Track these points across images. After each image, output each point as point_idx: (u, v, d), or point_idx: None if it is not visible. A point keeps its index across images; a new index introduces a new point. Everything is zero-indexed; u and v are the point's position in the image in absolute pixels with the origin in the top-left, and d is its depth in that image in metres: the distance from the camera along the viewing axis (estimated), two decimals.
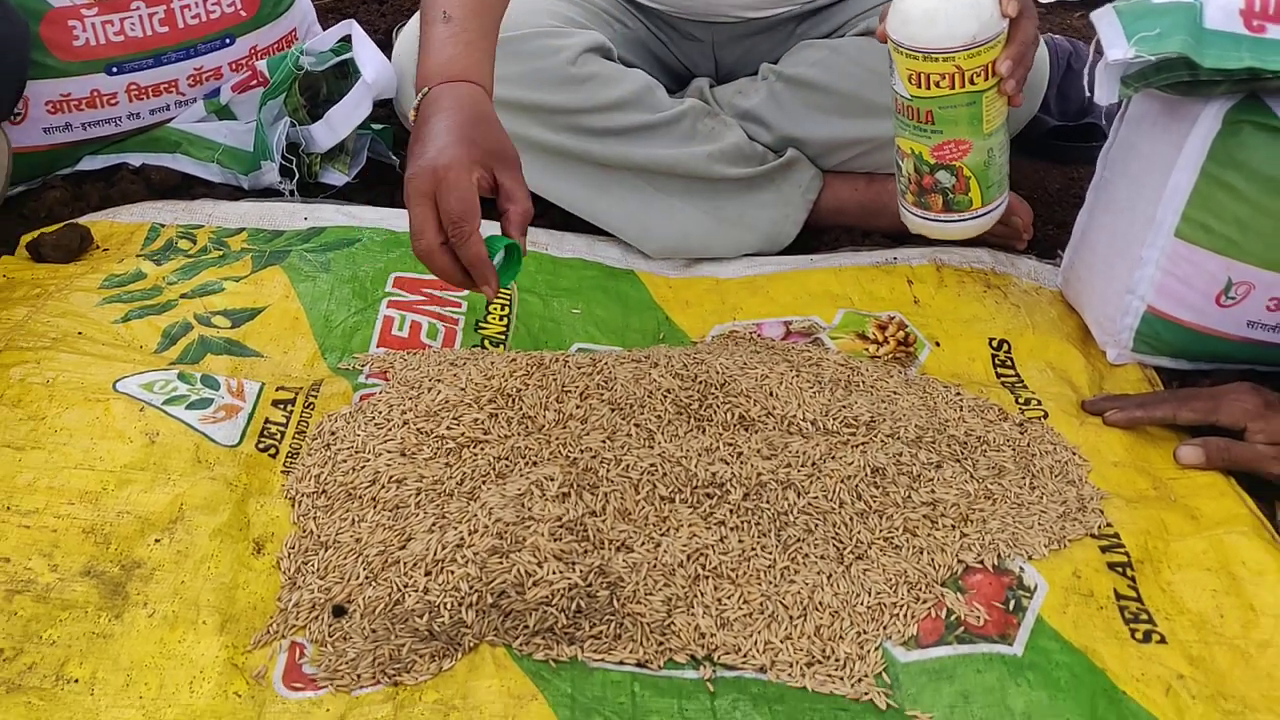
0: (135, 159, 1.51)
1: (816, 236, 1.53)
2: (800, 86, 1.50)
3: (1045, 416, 1.21)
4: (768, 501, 1.02)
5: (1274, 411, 1.15)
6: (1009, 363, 1.31)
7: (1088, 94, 1.22)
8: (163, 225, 1.38)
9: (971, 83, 1.16)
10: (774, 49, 1.60)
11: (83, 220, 1.37)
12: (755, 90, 1.54)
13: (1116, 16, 1.21)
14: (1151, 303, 1.28)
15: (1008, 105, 1.21)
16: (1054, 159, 1.76)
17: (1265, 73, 1.14)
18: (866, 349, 1.30)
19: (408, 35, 1.48)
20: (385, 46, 1.97)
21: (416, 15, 1.86)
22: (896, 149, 1.27)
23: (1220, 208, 1.21)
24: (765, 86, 1.53)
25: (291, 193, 1.47)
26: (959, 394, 1.21)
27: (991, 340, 1.33)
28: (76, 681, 0.86)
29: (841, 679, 0.90)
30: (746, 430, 1.11)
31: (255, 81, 1.53)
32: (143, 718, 0.84)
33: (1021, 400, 1.23)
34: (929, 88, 1.17)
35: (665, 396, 1.12)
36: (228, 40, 1.54)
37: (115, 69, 1.47)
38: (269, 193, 1.49)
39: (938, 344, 1.32)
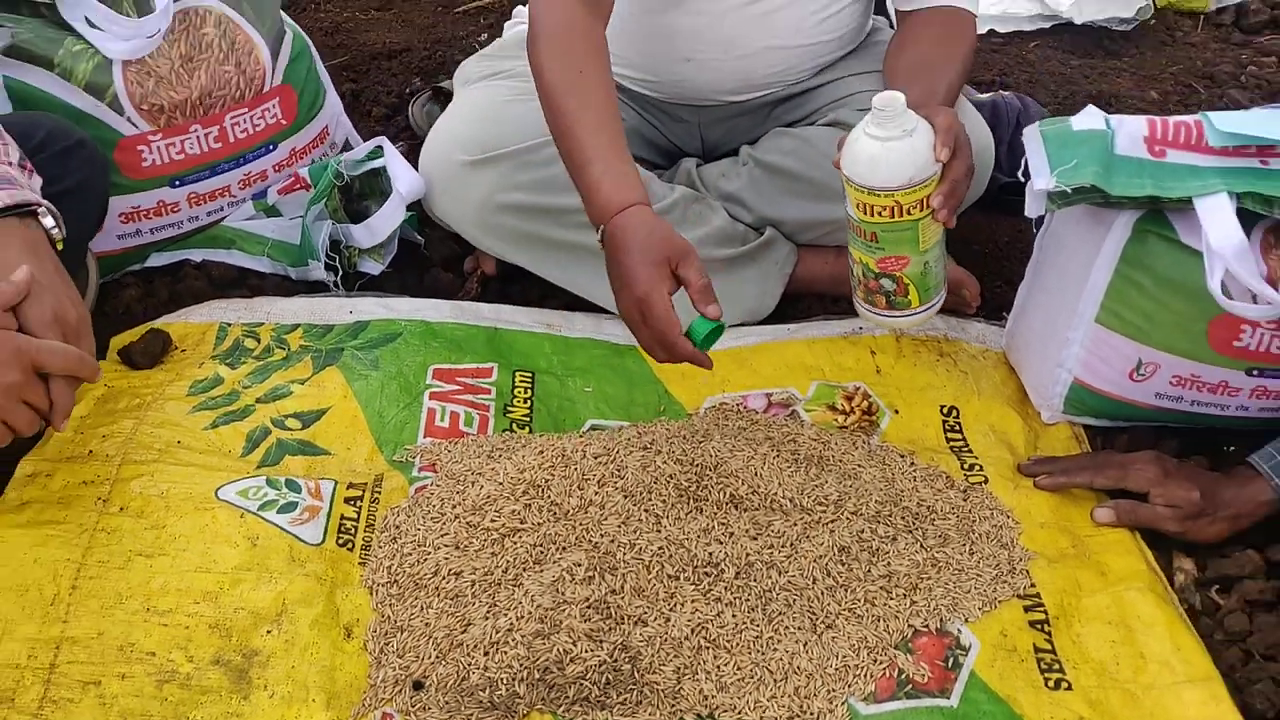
0: (196, 255, 1.73)
1: (793, 304, 1.75)
2: (776, 173, 1.72)
3: (986, 481, 1.45)
4: (755, 580, 1.26)
5: (1171, 479, 1.40)
6: (957, 428, 1.54)
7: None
8: (229, 325, 1.60)
9: (909, 214, 1.37)
10: (753, 129, 1.81)
11: (158, 323, 1.59)
12: (737, 175, 1.75)
13: (1042, 145, 1.42)
14: (1077, 375, 1.52)
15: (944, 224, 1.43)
16: (1005, 211, 1.96)
17: (1164, 199, 1.36)
18: (836, 419, 1.54)
19: (434, 145, 1.67)
20: (399, 108, 2.19)
21: (429, 93, 2.07)
22: (849, 255, 1.48)
23: (1131, 301, 1.44)
24: (745, 172, 1.74)
25: (336, 284, 1.69)
26: (913, 464, 1.45)
27: (942, 407, 1.56)
28: (223, 717, 1.10)
29: None
30: (736, 508, 1.35)
31: (299, 185, 1.74)
32: None
33: (966, 466, 1.47)
34: (873, 215, 1.39)
35: (668, 482, 1.36)
36: (271, 147, 1.75)
37: (177, 182, 1.69)
38: (316, 284, 1.71)
39: (897, 411, 1.56)
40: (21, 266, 1.24)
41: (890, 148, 1.36)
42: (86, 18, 1.58)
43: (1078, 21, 2.55)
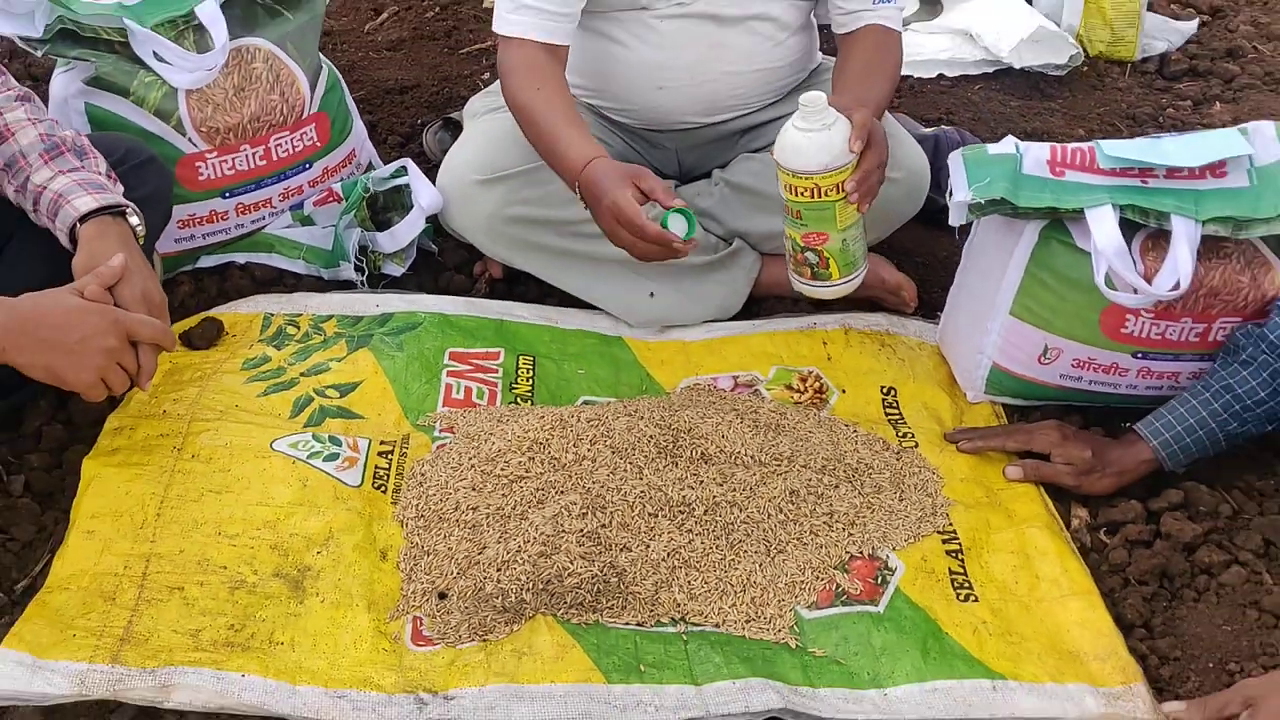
0: (240, 258, 2.00)
1: (757, 303, 2.03)
2: (743, 192, 2.00)
3: (916, 446, 1.72)
4: (720, 516, 1.52)
5: (1068, 442, 1.67)
6: (895, 405, 1.82)
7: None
8: (273, 314, 1.86)
9: (826, 195, 1.63)
10: (723, 154, 2.09)
11: (214, 312, 1.85)
12: (710, 193, 2.03)
13: (963, 166, 1.71)
14: (996, 360, 1.79)
15: (858, 209, 1.67)
16: (943, 229, 2.23)
17: (1062, 210, 1.65)
18: (792, 397, 1.81)
19: (449, 166, 1.94)
20: (412, 136, 2.47)
21: (440, 123, 2.34)
22: (784, 233, 1.75)
23: (1038, 296, 1.72)
24: (717, 191, 2.02)
25: (362, 283, 1.96)
26: (855, 431, 1.72)
27: (883, 388, 1.84)
28: (282, 644, 1.35)
29: (768, 630, 1.40)
30: (706, 463, 1.61)
31: (331, 198, 2.01)
32: (327, 665, 1.33)
33: (900, 434, 1.75)
34: (797, 195, 1.65)
35: (649, 441, 1.62)
36: (308, 165, 2.03)
37: (228, 194, 1.95)
38: (345, 283, 1.97)
39: (844, 391, 1.83)
40: (117, 254, 1.50)
41: (811, 138, 1.62)
42: (155, 53, 1.85)
43: (1017, 67, 2.85)
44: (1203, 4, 3.31)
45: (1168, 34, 3.06)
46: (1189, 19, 3.17)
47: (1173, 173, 1.64)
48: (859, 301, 1.98)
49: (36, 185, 1.57)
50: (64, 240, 1.56)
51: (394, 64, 2.82)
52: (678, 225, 1.60)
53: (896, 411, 1.80)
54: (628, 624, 1.41)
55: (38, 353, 1.40)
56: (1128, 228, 1.63)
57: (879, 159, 1.68)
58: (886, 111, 2.05)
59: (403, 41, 2.93)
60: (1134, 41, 2.96)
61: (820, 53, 2.14)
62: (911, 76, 2.86)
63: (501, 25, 1.83)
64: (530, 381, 1.80)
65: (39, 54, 1.83)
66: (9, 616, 1.37)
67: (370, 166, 2.17)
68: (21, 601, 1.40)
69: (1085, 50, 2.94)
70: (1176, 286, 1.59)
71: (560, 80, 1.83)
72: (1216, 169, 1.65)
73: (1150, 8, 3.16)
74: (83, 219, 1.53)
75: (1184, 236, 1.60)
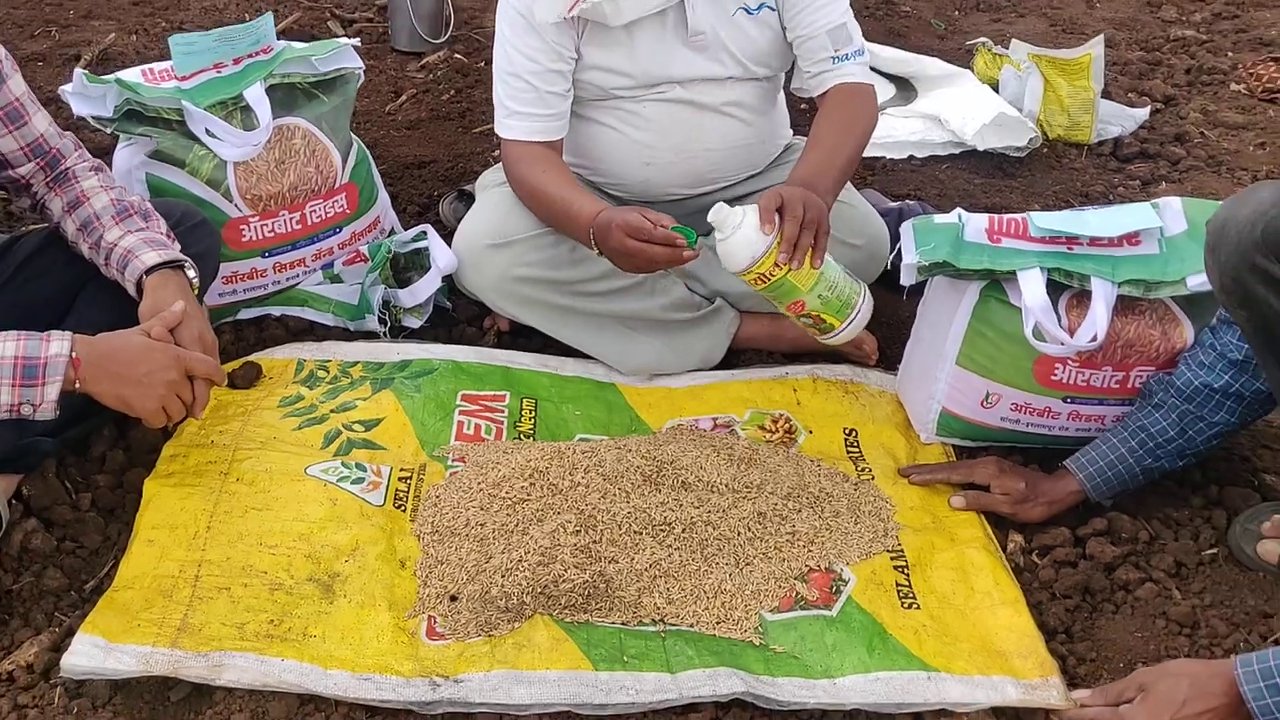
0: (276, 310, 2.25)
1: (736, 355, 2.26)
2: None
3: (873, 479, 1.95)
4: (696, 534, 1.74)
5: (1005, 474, 1.90)
6: (856, 444, 2.04)
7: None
8: (305, 360, 2.10)
9: (773, 276, 1.81)
10: (705, 223, 2.33)
11: (254, 357, 2.09)
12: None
13: (912, 233, 1.96)
14: (945, 405, 2.02)
15: (810, 266, 1.82)
16: (903, 294, 2.48)
17: (997, 271, 1.89)
18: (765, 436, 2.04)
19: (464, 232, 2.19)
20: (428, 206, 2.73)
21: (455, 194, 2.59)
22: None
23: (980, 348, 1.96)
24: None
25: (385, 334, 2.20)
26: (819, 465, 1.95)
27: (845, 429, 2.07)
28: (314, 636, 1.57)
29: (735, 630, 1.62)
30: (685, 490, 1.83)
31: (358, 259, 2.26)
32: (354, 654, 1.55)
33: (859, 469, 1.97)
34: (756, 285, 1.84)
35: (636, 470, 1.85)
36: (338, 229, 2.28)
37: (267, 254, 2.21)
38: (369, 333, 2.22)
39: (811, 431, 2.06)
40: (178, 301, 1.75)
41: (729, 244, 1.81)
42: (208, 130, 2.11)
43: (980, 148, 3.12)
44: (1157, 93, 3.60)
45: (1122, 119, 3.33)
46: (1143, 105, 3.45)
47: (1094, 241, 1.89)
48: (827, 354, 2.22)
49: (109, 242, 1.82)
50: (131, 289, 1.80)
51: (412, 141, 3.09)
52: (684, 234, 1.83)
53: (857, 450, 2.03)
54: (614, 623, 1.62)
55: (111, 383, 1.63)
56: (1055, 288, 1.88)
57: (797, 221, 1.78)
58: (853, 189, 2.31)
59: (420, 121, 3.22)
60: (1089, 126, 3.23)
61: (792, 131, 2.40)
62: (885, 157, 3.14)
63: (502, 130, 2.11)
64: (532, 420, 2.03)
65: (109, 130, 2.10)
66: (80, 611, 1.59)
67: (392, 232, 2.43)
68: (90, 599, 1.62)
69: (1045, 133, 3.22)
70: (1095, 339, 1.82)
71: (561, 163, 2.11)
72: (1131, 238, 1.90)
73: (1107, 95, 3.45)
74: (148, 271, 1.78)
75: (1102, 296, 1.84)
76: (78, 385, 1.60)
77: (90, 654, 1.48)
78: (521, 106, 2.09)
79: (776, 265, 1.80)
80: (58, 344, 1.59)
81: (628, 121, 2.18)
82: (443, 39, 3.76)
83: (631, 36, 2.08)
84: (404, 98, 3.37)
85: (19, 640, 1.55)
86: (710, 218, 1.83)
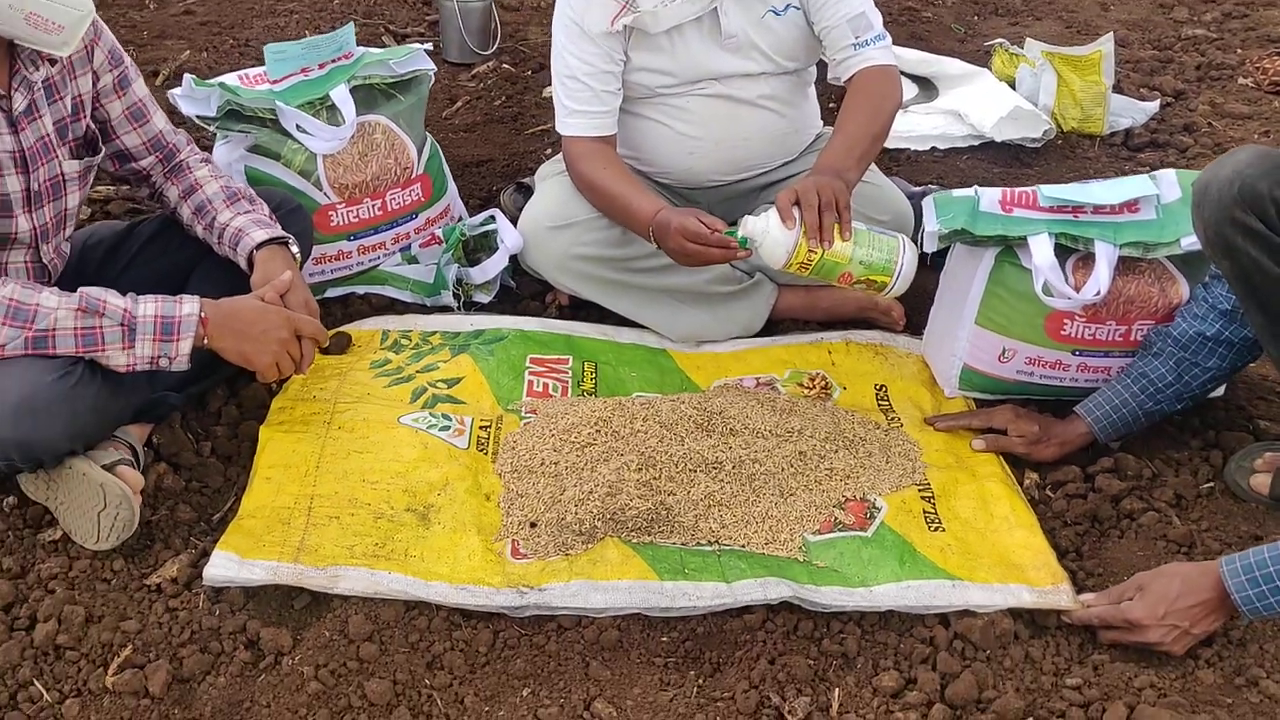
0: (360, 289, 2.49)
1: (775, 325, 2.49)
2: None
3: (902, 426, 2.16)
4: (744, 470, 1.96)
5: (1020, 419, 2.11)
6: (886, 398, 2.26)
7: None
8: (389, 330, 2.35)
9: (811, 261, 2.01)
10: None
11: (344, 328, 2.34)
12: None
13: (933, 204, 2.18)
14: (966, 361, 2.24)
15: (840, 239, 2.02)
16: (929, 268, 2.69)
17: (1009, 238, 2.11)
18: (803, 392, 2.26)
19: (527, 216, 2.43)
20: (488, 200, 2.97)
21: (514, 187, 2.83)
22: None
23: (996, 308, 2.17)
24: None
25: (458, 308, 2.44)
26: (852, 415, 2.17)
27: (876, 385, 2.29)
28: (414, 556, 1.80)
29: (782, 549, 1.84)
30: (733, 435, 2.06)
31: (432, 241, 2.50)
32: (449, 570, 1.78)
33: (889, 417, 2.19)
34: (802, 272, 2.05)
35: (689, 419, 2.07)
36: (414, 216, 2.53)
37: (352, 237, 2.45)
38: (444, 307, 2.46)
39: (845, 388, 2.28)
40: (285, 271, 1.99)
41: (763, 249, 2.03)
42: (299, 126, 2.36)
43: (999, 140, 3.33)
44: (1167, 88, 3.80)
45: (1133, 112, 3.54)
46: (1153, 99, 3.65)
47: (1097, 209, 2.11)
48: (859, 321, 2.45)
49: (221, 223, 2.07)
50: (242, 263, 2.05)
51: (470, 143, 3.34)
52: (735, 237, 2.04)
53: (887, 403, 2.25)
54: (674, 543, 1.84)
55: (233, 340, 1.88)
56: (1062, 252, 2.09)
57: (814, 208, 1.97)
58: (879, 171, 2.53)
59: (476, 125, 3.47)
60: (1102, 118, 3.44)
61: (822, 122, 2.63)
62: (909, 149, 3.36)
63: (562, 128, 2.35)
64: (594, 380, 2.26)
65: (211, 128, 2.35)
66: (211, 537, 1.83)
67: (460, 218, 2.67)
68: (218, 528, 1.86)
69: (1059, 126, 3.43)
70: (1098, 293, 2.04)
71: (618, 159, 2.34)
72: (1131, 206, 2.11)
73: (1119, 91, 3.66)
74: (258, 246, 2.03)
75: (1105, 257, 2.06)
76: (206, 341, 1.85)
77: (226, 566, 1.73)
78: (579, 105, 2.32)
79: (811, 252, 2.00)
80: (190, 305, 1.84)
81: (672, 116, 2.41)
82: (490, 50, 4.01)
83: (672, 41, 2.32)
84: (459, 104, 3.63)
85: (162, 559, 1.79)
86: (741, 233, 2.03)
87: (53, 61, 1.89)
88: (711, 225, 2.07)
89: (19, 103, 1.84)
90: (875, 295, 2.15)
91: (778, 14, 2.33)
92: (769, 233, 2.02)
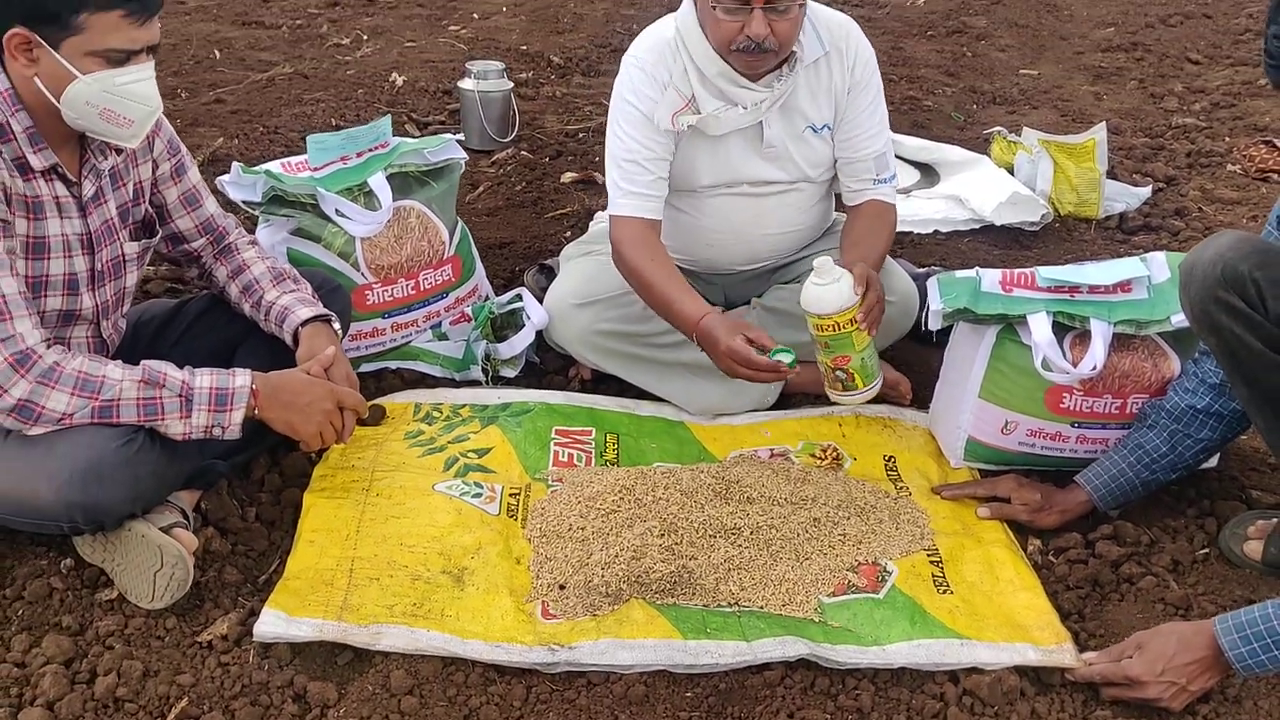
0: (393, 364, 2.62)
1: (788, 399, 2.61)
2: (774, 313, 2.60)
3: (910, 494, 2.27)
4: (761, 535, 2.07)
5: (1023, 488, 2.22)
6: (894, 468, 2.37)
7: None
8: (421, 403, 2.47)
9: (843, 328, 2.17)
10: (759, 287, 2.71)
11: (379, 401, 2.46)
12: (749, 315, 2.64)
13: (937, 285, 2.31)
14: (970, 433, 2.35)
15: (868, 334, 2.24)
16: (934, 345, 2.82)
17: (1010, 316, 2.24)
18: (816, 462, 2.37)
19: (553, 294, 2.57)
20: (511, 280, 3.11)
21: (537, 268, 2.97)
22: (818, 360, 2.31)
23: (998, 382, 2.29)
24: (755, 313, 2.63)
25: (486, 382, 2.56)
26: (863, 484, 2.28)
27: (885, 456, 2.40)
28: (450, 615, 1.89)
29: (799, 610, 1.94)
30: (750, 503, 2.17)
31: (462, 319, 2.64)
32: (484, 629, 1.88)
33: (898, 487, 2.30)
34: (823, 331, 2.20)
35: (708, 486, 2.19)
36: (445, 295, 2.67)
37: (386, 315, 2.59)
38: (473, 382, 2.58)
39: (855, 459, 2.39)
40: (329, 347, 2.12)
41: (826, 289, 2.17)
42: (338, 210, 2.51)
43: (998, 224, 3.49)
44: (1159, 174, 3.97)
45: (1126, 197, 3.70)
46: (1146, 185, 3.82)
47: (1093, 289, 2.24)
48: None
49: (268, 301, 2.20)
50: (288, 339, 2.18)
51: (493, 226, 3.50)
52: (786, 357, 2.16)
53: (896, 473, 2.36)
54: (696, 605, 1.94)
55: (281, 410, 2.00)
56: (1060, 329, 2.22)
57: (878, 296, 2.24)
58: (887, 257, 2.67)
59: (498, 209, 3.63)
60: (1097, 203, 3.60)
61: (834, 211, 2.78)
62: (913, 232, 3.51)
63: (614, 208, 2.44)
64: (616, 451, 2.38)
65: (257, 212, 2.50)
66: (257, 597, 1.94)
67: (488, 297, 2.80)
68: (264, 589, 1.97)
69: (1056, 210, 3.59)
70: (1094, 368, 2.16)
71: (663, 251, 2.42)
72: (1124, 286, 2.24)
73: (1113, 176, 3.82)
74: (303, 323, 2.16)
75: (1100, 334, 2.18)
76: (256, 411, 1.97)
77: (275, 624, 1.83)
78: (635, 188, 2.41)
79: (853, 321, 2.16)
80: (242, 378, 1.96)
81: (699, 210, 2.55)
82: (510, 137, 4.20)
83: (714, 145, 2.46)
84: (480, 189, 3.79)
85: (212, 618, 1.89)
86: (816, 263, 2.16)
87: (119, 151, 2.03)
88: (758, 342, 2.17)
89: (88, 189, 1.98)
90: (836, 390, 2.29)
91: (815, 131, 2.49)
92: (839, 283, 2.16)
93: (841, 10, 2.52)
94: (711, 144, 2.45)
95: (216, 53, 5.24)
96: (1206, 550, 2.15)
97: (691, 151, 2.46)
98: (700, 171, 2.47)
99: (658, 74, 2.38)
